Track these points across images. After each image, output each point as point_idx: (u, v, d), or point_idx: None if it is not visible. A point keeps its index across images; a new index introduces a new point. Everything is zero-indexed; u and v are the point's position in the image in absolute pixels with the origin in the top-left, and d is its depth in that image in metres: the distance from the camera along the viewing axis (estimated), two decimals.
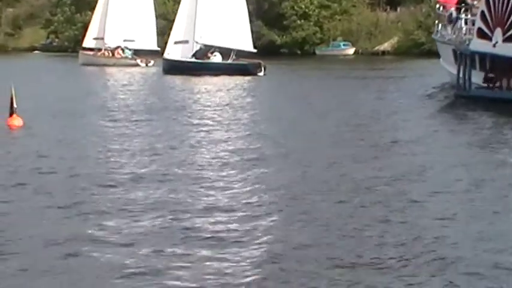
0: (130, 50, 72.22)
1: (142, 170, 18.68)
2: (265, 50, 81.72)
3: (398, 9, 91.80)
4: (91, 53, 75.27)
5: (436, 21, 44.95)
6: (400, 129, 27.29)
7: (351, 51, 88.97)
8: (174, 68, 58.86)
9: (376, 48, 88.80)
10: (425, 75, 51.09)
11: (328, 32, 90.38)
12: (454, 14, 39.81)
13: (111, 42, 73.43)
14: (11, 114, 26.70)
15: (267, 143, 23.54)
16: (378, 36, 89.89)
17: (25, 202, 15.77)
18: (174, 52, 61.15)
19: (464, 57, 36.60)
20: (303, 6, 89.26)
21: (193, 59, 59.79)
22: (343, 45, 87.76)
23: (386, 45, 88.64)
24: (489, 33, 35.48)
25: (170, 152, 22.01)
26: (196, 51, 60.07)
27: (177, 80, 53.20)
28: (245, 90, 46.62)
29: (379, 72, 58.97)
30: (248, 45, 60.96)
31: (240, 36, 60.20)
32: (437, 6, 44.80)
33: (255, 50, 61.31)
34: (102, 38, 74.31)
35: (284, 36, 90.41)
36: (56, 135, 25.36)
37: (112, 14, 74.05)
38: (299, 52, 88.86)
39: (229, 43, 59.42)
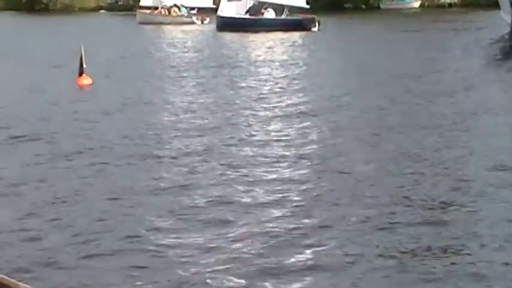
0: (186, 7, 72.27)
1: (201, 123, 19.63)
2: (330, 5, 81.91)
3: None
4: (148, 11, 74.79)
5: None
6: (446, 80, 27.77)
7: (416, 4, 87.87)
8: (228, 25, 58.79)
9: (443, 0, 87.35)
10: (488, 27, 50.44)
11: None
12: None
13: (167, 0, 73.35)
14: (80, 74, 27.05)
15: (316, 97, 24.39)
16: None
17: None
18: (228, 9, 60.99)
19: None
20: None
21: (247, 16, 59.83)
22: None
23: None
24: None
25: (228, 108, 22.46)
26: (250, 8, 60.19)
27: (232, 37, 53.17)
28: (299, 46, 46.22)
29: (443, 25, 57.86)
30: (301, 1, 60.43)
31: None
32: None
33: (307, 6, 60.70)
34: None
35: None
36: (122, 94, 25.44)
37: None
38: (364, 7, 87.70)
39: None
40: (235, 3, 60.90)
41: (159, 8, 73.97)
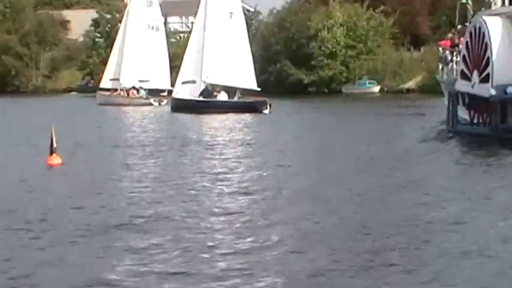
0: (145, 90, 72.45)
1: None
2: (293, 89, 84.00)
3: (422, 49, 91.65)
4: (107, 93, 75.63)
5: (439, 63, 44.93)
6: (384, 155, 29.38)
7: (376, 89, 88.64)
8: (183, 106, 58.77)
9: (401, 86, 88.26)
10: (437, 113, 51.00)
11: (354, 71, 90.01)
12: (448, 57, 40.22)
13: (126, 82, 73.61)
14: (51, 153, 26.45)
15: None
16: (403, 75, 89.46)
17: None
18: (183, 91, 61.30)
19: (451, 97, 37.85)
20: (330, 46, 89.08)
21: (200, 98, 59.62)
22: (369, 83, 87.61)
23: (410, 84, 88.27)
24: (469, 75, 36.17)
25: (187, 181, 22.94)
26: (203, 90, 60.10)
27: (185, 118, 53.17)
28: (250, 127, 46.12)
29: (395, 109, 58.15)
30: (252, 84, 60.80)
31: (244, 75, 59.87)
32: (440, 48, 44.91)
33: (259, 89, 61.05)
34: (118, 79, 74.47)
35: (311, 75, 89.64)
36: (91, 173, 25.43)
37: (127, 56, 74.48)
38: (326, 91, 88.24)
39: (234, 82, 59.47)
40: (189, 85, 60.96)
41: (118, 90, 74.32)
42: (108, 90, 76.26)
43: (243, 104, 58.69)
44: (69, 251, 14.16)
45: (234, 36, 60.73)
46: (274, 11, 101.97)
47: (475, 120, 35.76)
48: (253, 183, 22.87)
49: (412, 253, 13.38)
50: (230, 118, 51.61)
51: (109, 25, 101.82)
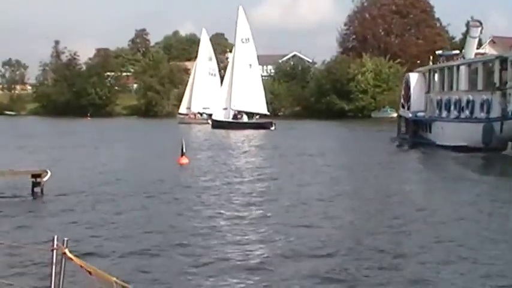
0: (206, 114, 73.56)
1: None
2: (336, 114, 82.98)
3: None
4: (183, 116, 78.23)
5: None
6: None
7: (394, 114, 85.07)
8: (219, 125, 59.97)
9: None
10: None
11: (379, 102, 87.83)
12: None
13: (194, 109, 77.14)
14: (182, 155, 26.52)
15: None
16: None
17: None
18: (219, 115, 62.71)
19: (399, 118, 43.69)
20: (363, 86, 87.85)
21: (230, 119, 61.40)
22: (389, 110, 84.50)
23: None
24: (404, 105, 41.77)
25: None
26: (234, 115, 61.91)
27: (221, 132, 53.91)
28: (260, 138, 47.16)
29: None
30: (263, 110, 62.41)
31: (258, 104, 61.98)
32: None
33: (268, 113, 62.95)
34: (189, 108, 78.27)
35: (350, 105, 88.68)
36: (208, 167, 25.58)
37: (196, 91, 77.90)
38: (360, 115, 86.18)
39: (251, 108, 61.81)
40: (224, 110, 62.51)
41: (189, 114, 77.16)
42: (184, 114, 78.75)
43: (257, 124, 59.85)
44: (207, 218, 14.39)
45: (253, 79, 62.81)
46: (325, 62, 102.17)
47: (405, 132, 40.57)
48: (264, 168, 25.40)
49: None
50: (249, 132, 52.69)
51: None
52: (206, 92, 74.98)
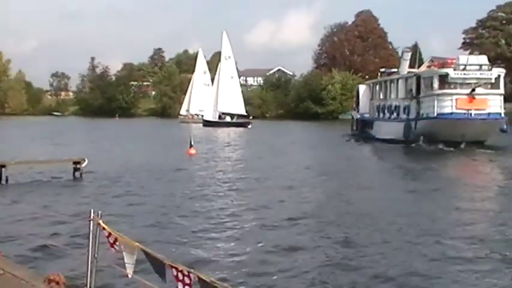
0: (201, 115, 71.30)
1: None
2: (312, 116, 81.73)
3: None
4: (183, 117, 77.33)
5: None
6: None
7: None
8: (208, 123, 59.38)
9: None
10: None
11: (345, 106, 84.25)
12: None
13: (192, 111, 76.25)
14: (190, 147, 26.09)
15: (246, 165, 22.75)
16: None
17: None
18: (209, 115, 62.19)
19: (352, 119, 44.31)
20: (333, 94, 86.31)
21: (217, 119, 61.16)
22: (352, 113, 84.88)
23: None
24: (355, 109, 43.36)
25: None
26: (219, 115, 61.78)
27: (210, 129, 53.63)
28: (240, 134, 47.04)
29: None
30: (242, 111, 61.93)
31: (238, 107, 61.72)
32: None
33: (246, 114, 62.14)
34: (188, 110, 77.71)
35: (322, 109, 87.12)
36: (212, 158, 24.99)
37: (193, 97, 77.40)
38: (330, 117, 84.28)
39: (233, 110, 61.51)
40: (212, 112, 62.33)
41: (188, 115, 76.38)
42: (183, 115, 78.26)
43: (238, 123, 59.11)
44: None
45: (234, 88, 62.86)
46: (303, 75, 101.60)
47: (356, 129, 41.62)
48: (241, 155, 26.11)
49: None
50: (231, 130, 52.55)
51: None
52: (201, 98, 74.02)
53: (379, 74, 43.95)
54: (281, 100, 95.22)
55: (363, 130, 39.89)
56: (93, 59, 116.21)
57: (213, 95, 63.27)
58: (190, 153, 25.59)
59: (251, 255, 8.50)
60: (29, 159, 18.81)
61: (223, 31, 65.21)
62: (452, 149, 27.68)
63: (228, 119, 61.54)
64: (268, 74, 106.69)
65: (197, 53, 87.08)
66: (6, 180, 15.66)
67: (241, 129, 53.97)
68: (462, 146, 28.36)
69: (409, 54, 37.60)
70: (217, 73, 65.64)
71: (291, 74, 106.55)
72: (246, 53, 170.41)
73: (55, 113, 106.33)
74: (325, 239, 9.42)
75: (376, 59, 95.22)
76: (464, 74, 30.02)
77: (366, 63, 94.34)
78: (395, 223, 10.59)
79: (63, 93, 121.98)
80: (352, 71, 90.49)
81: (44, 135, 40.43)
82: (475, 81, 29.79)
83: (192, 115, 75.80)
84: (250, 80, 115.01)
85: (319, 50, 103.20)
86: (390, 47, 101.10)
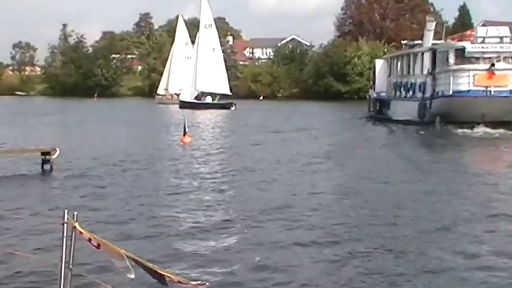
0: (178, 94, 72.03)
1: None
2: (333, 96, 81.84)
3: None
4: (160, 96, 78.35)
5: None
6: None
7: None
8: (185, 105, 59.28)
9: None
10: None
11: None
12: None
13: (171, 90, 76.40)
14: (184, 134, 26.35)
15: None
16: None
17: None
18: (186, 95, 62.35)
19: (369, 97, 46.10)
20: (359, 68, 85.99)
21: (195, 100, 61.44)
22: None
23: None
24: (372, 87, 45.05)
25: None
26: (196, 95, 61.96)
27: (187, 112, 52.46)
28: (223, 116, 48.55)
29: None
30: (226, 90, 62.05)
31: (221, 85, 61.67)
32: None
33: (230, 93, 62.74)
34: (167, 89, 78.34)
35: (346, 87, 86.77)
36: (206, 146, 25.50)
37: (173, 74, 77.81)
38: (356, 97, 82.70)
39: (215, 89, 61.56)
40: (189, 92, 62.31)
41: (167, 95, 77.08)
42: (161, 95, 78.83)
43: (219, 104, 59.96)
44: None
45: (216, 62, 62.53)
46: (323, 45, 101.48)
47: (372, 110, 43.74)
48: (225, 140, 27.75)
49: None
50: (212, 112, 52.99)
51: None
52: (182, 75, 72.54)
53: (402, 46, 45.18)
54: (296, 76, 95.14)
55: (380, 111, 42.14)
56: (64, 26, 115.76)
57: (192, 71, 63.23)
58: (184, 142, 25.80)
59: (250, 252, 9.33)
60: None
61: None
62: (470, 130, 29.40)
63: (208, 99, 61.73)
64: (279, 44, 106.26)
65: (194, 19, 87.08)
66: None
67: (223, 111, 54.39)
68: (481, 127, 29.84)
69: (433, 23, 38.47)
70: (195, 45, 65.13)
71: (308, 44, 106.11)
72: (253, 19, 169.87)
73: (18, 93, 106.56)
74: (333, 235, 10.45)
75: (413, 24, 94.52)
76: (483, 47, 31.61)
77: (400, 30, 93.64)
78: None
79: (28, 68, 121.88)
80: (383, 40, 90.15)
81: (5, 120, 40.64)
82: (495, 55, 31.37)
83: (172, 95, 75.13)
84: (257, 52, 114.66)
85: (342, 14, 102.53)
86: (431, 9, 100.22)
